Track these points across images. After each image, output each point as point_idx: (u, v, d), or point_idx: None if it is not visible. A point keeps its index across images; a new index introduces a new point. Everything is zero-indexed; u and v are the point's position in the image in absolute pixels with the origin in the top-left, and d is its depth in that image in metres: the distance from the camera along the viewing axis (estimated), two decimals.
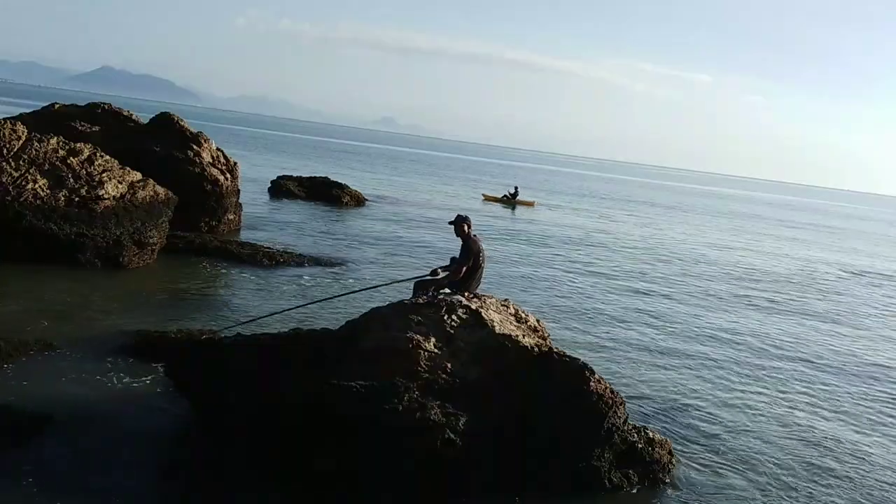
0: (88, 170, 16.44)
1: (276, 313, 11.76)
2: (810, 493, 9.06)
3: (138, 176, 17.44)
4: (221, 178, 21.88)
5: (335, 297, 13.05)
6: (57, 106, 22.56)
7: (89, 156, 16.82)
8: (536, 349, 8.43)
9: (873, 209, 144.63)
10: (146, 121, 22.77)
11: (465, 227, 9.46)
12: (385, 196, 39.86)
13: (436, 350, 8.12)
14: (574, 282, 21.07)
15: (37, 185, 15.53)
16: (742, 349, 15.61)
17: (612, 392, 8.22)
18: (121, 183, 16.80)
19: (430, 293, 9.08)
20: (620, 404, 8.24)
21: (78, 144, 17.06)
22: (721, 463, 9.48)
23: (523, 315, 9.30)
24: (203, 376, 8.58)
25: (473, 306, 8.68)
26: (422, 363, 7.98)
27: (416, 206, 36.71)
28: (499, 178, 69.99)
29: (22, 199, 15.16)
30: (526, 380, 8.13)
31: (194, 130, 22.79)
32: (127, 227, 16.09)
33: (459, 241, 9.50)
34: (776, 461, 9.80)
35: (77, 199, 15.81)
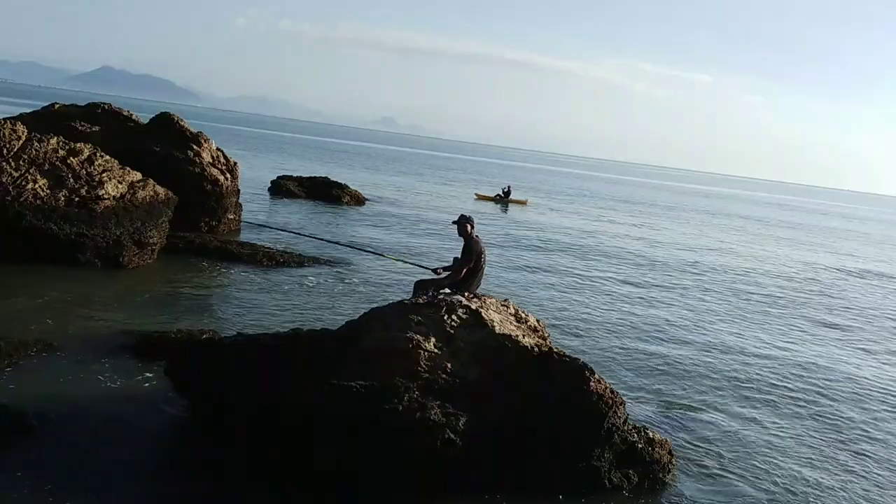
0: (88, 170, 16.44)
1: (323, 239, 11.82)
2: (811, 492, 9.06)
3: (138, 176, 17.45)
4: (221, 178, 21.88)
5: (365, 249, 12.32)
6: (57, 106, 22.56)
7: (89, 156, 16.82)
8: (536, 349, 8.43)
9: (873, 209, 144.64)
10: (146, 121, 22.77)
11: (469, 228, 9.55)
12: (385, 196, 39.87)
13: (436, 350, 8.13)
14: (564, 281, 21.07)
15: (37, 185, 15.53)
16: (743, 347, 15.61)
17: (612, 392, 8.22)
18: (121, 183, 16.80)
19: (430, 293, 9.09)
20: (620, 404, 8.24)
21: (78, 144, 17.06)
22: (721, 463, 9.47)
23: (523, 315, 9.30)
24: (203, 376, 8.58)
25: (473, 306, 8.69)
26: (422, 363, 7.98)
27: (415, 205, 36.72)
28: (498, 178, 70.01)
29: (22, 199, 15.16)
30: (526, 380, 8.13)
31: (194, 130, 22.78)
32: (127, 227, 16.09)
33: (459, 241, 9.53)
34: (777, 461, 9.80)
35: (77, 199, 15.81)
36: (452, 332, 8.34)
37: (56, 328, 11.39)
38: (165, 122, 22.42)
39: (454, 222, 9.70)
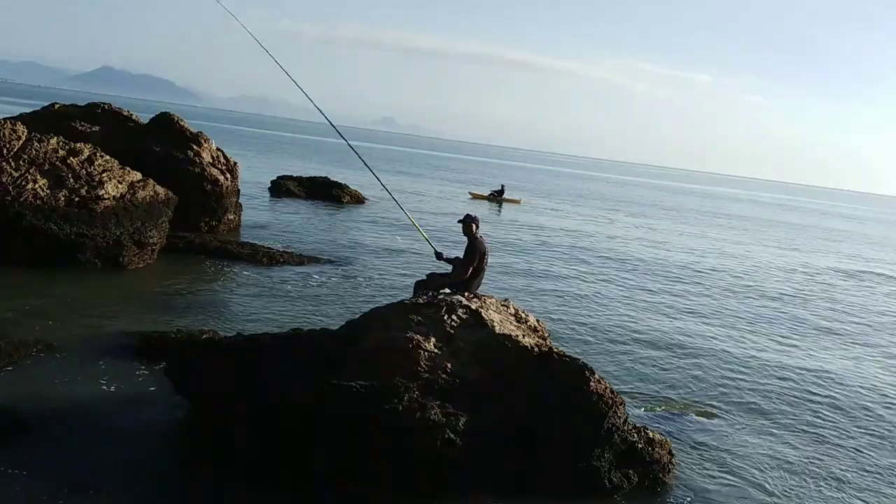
0: (88, 170, 16.45)
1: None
2: (811, 493, 9.06)
3: (138, 176, 17.45)
4: (221, 178, 21.89)
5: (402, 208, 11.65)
6: (57, 106, 22.56)
7: (89, 156, 16.82)
8: (536, 349, 8.43)
9: (872, 209, 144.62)
10: (146, 121, 22.77)
11: (473, 227, 9.56)
12: (385, 196, 39.72)
13: (436, 350, 8.12)
14: (560, 281, 21.07)
15: (37, 185, 15.53)
16: (741, 348, 15.61)
17: (611, 392, 8.22)
18: (121, 183, 16.80)
19: (431, 293, 9.09)
20: (620, 404, 8.24)
21: (78, 144, 17.07)
22: (721, 463, 9.48)
23: (523, 315, 9.30)
24: (203, 376, 8.58)
25: (473, 306, 8.69)
26: (422, 363, 7.98)
27: (415, 205, 36.67)
28: (498, 178, 69.94)
29: (22, 199, 15.16)
30: (526, 380, 8.13)
31: (194, 130, 22.79)
32: (127, 227, 16.09)
33: (458, 240, 9.54)
34: (777, 462, 9.80)
35: (77, 199, 15.81)
36: (452, 332, 8.34)
37: (56, 328, 11.39)
38: (165, 122, 22.42)
39: (459, 221, 9.70)
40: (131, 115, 22.89)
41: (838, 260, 36.57)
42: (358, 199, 34.75)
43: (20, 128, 16.51)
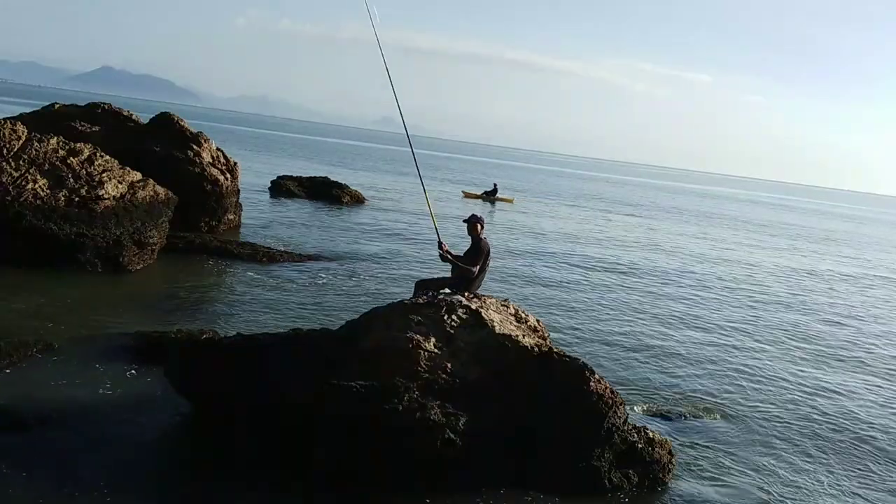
0: (88, 170, 16.44)
1: None
2: (811, 493, 9.06)
3: (138, 176, 17.45)
4: (221, 178, 21.89)
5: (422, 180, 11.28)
6: (57, 106, 22.56)
7: (89, 156, 16.82)
8: (536, 349, 8.43)
9: (873, 209, 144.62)
10: (146, 121, 22.78)
11: (479, 228, 9.59)
12: (385, 196, 39.86)
13: (436, 350, 8.13)
14: (556, 280, 21.07)
15: (37, 185, 15.53)
16: (741, 347, 15.62)
17: (612, 392, 8.22)
18: (121, 183, 16.80)
19: (431, 293, 9.09)
20: (620, 404, 8.24)
21: (78, 144, 17.06)
22: (721, 463, 9.48)
23: (523, 315, 9.30)
24: (203, 376, 8.58)
25: (473, 306, 8.69)
26: (422, 363, 7.98)
27: (415, 205, 36.69)
28: (498, 178, 69.94)
29: (22, 199, 15.16)
30: (526, 380, 8.13)
31: (194, 130, 22.79)
32: (127, 228, 16.09)
33: (460, 240, 9.53)
34: (778, 462, 9.80)
35: (77, 199, 15.81)
36: (452, 332, 8.34)
37: (56, 328, 11.39)
38: (165, 122, 22.42)
39: (465, 221, 9.73)
40: (131, 115, 22.89)
41: (840, 263, 36.55)
42: (358, 200, 34.76)
43: (20, 128, 16.51)
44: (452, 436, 7.58)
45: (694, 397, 11.99)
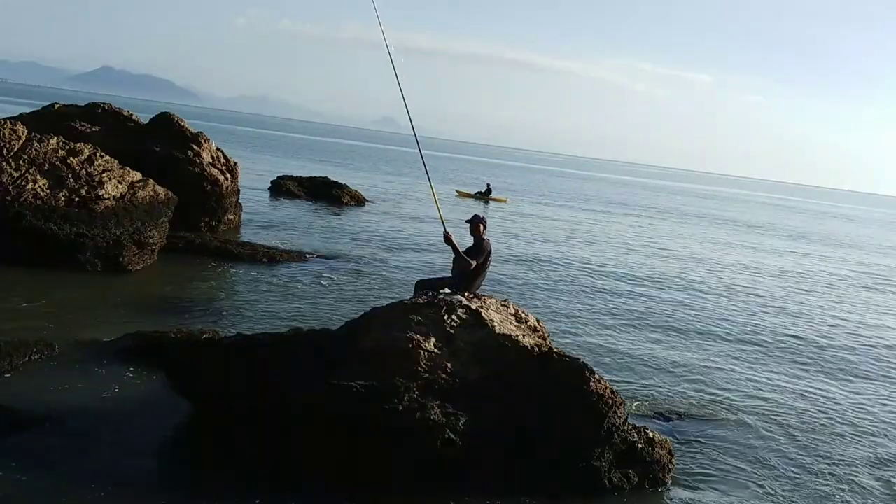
0: (88, 170, 16.45)
1: None
2: (812, 493, 9.06)
3: (138, 176, 17.45)
4: (221, 178, 21.90)
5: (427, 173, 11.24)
6: (57, 106, 22.57)
7: (89, 156, 16.82)
8: (536, 349, 8.43)
9: (873, 210, 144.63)
10: (146, 121, 22.78)
11: (481, 228, 9.61)
12: (385, 196, 39.88)
13: (436, 350, 8.13)
14: (553, 280, 21.07)
15: (37, 185, 15.53)
16: (741, 347, 15.62)
17: (612, 392, 8.22)
18: (121, 183, 16.80)
19: (431, 293, 9.09)
20: (620, 404, 8.24)
21: (78, 144, 17.07)
22: (722, 464, 9.48)
23: (523, 315, 9.31)
24: (203, 376, 8.58)
25: (473, 306, 8.69)
26: (422, 363, 7.98)
27: (415, 205, 36.73)
28: (498, 179, 70.01)
29: (22, 199, 15.16)
30: (526, 380, 8.13)
31: (194, 130, 22.80)
32: (127, 228, 16.09)
33: (457, 242, 9.52)
34: (778, 463, 9.80)
35: (77, 199, 15.81)
36: (452, 332, 8.35)
37: (56, 328, 11.39)
38: (165, 122, 22.43)
39: (467, 221, 9.72)
40: (131, 115, 22.90)
41: (841, 265, 36.56)
42: (358, 200, 34.77)
43: (20, 128, 16.51)
44: (452, 436, 7.58)
45: (694, 397, 11.99)
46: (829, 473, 9.69)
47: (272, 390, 7.95)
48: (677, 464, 8.87)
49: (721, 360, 14.55)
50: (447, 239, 9.45)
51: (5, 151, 15.73)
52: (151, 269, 16.41)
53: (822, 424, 11.52)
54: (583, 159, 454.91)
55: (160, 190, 17.64)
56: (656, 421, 10.54)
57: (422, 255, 22.39)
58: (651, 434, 8.60)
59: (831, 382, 13.99)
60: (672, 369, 13.41)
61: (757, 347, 15.98)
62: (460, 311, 8.57)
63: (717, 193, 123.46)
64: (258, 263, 17.85)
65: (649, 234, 38.11)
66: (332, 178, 36.96)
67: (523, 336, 8.63)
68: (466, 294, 9.07)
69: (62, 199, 15.65)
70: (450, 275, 9.85)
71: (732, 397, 12.26)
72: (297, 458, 7.74)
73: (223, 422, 8.32)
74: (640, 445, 8.36)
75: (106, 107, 22.69)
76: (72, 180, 16.03)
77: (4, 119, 17.40)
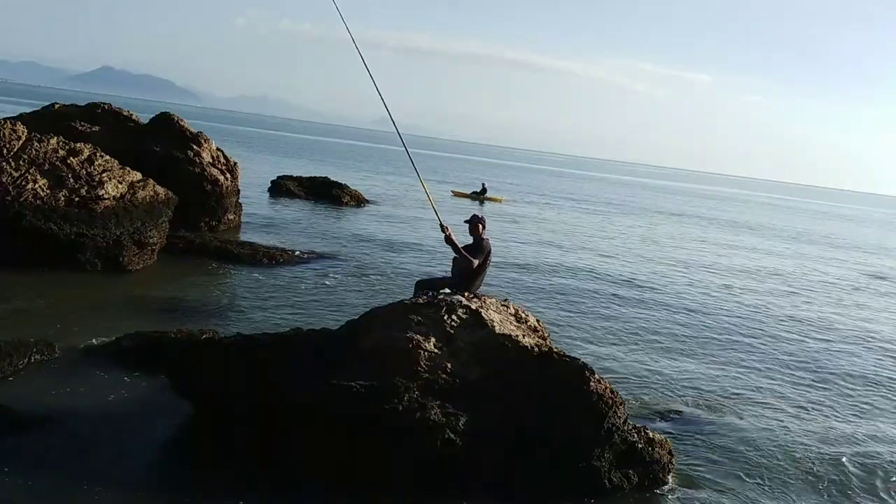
0: (88, 170, 16.44)
1: None
2: (813, 493, 9.06)
3: (138, 176, 17.45)
4: (221, 178, 21.90)
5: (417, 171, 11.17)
6: (57, 106, 22.58)
7: (89, 156, 16.82)
8: (536, 349, 8.43)
9: (874, 210, 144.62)
10: (146, 121, 22.79)
11: (480, 228, 9.58)
12: (385, 196, 39.87)
13: (436, 350, 8.13)
14: (549, 279, 21.07)
15: (37, 185, 15.53)
16: (741, 349, 15.62)
17: (612, 392, 8.22)
18: (121, 183, 16.80)
19: (431, 293, 9.09)
20: (620, 404, 8.23)
21: (78, 144, 17.07)
22: (722, 464, 9.48)
23: (523, 315, 9.31)
24: (203, 377, 8.58)
25: (473, 306, 8.69)
26: (422, 363, 7.98)
27: (415, 205, 36.71)
28: (498, 179, 70.06)
29: (22, 199, 15.16)
30: (526, 380, 8.13)
31: (194, 130, 22.81)
32: (127, 228, 16.09)
33: (446, 248, 9.49)
34: (779, 463, 9.80)
35: (77, 199, 15.81)
36: (452, 332, 8.35)
37: (56, 328, 11.38)
38: (165, 122, 22.44)
39: (466, 221, 9.70)
40: (131, 115, 22.91)
41: (842, 266, 36.57)
42: (358, 200, 34.77)
43: (20, 128, 16.51)
44: (452, 436, 7.58)
45: (694, 397, 11.99)
46: (830, 474, 9.69)
47: (272, 390, 7.94)
48: (677, 464, 8.87)
49: (722, 360, 14.54)
50: (448, 238, 9.41)
51: (5, 151, 15.73)
52: (151, 269, 16.41)
53: (822, 425, 11.52)
54: (583, 159, 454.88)
55: (160, 190, 17.64)
56: (656, 421, 10.54)
57: (421, 255, 22.39)
58: (651, 434, 8.60)
59: (832, 384, 13.98)
60: (672, 369, 13.40)
61: (758, 348, 15.98)
62: (460, 311, 8.57)
63: (718, 193, 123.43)
64: (258, 263, 17.85)
65: (648, 234, 38.11)
66: (332, 178, 36.97)
67: (523, 336, 8.63)
68: (466, 294, 9.07)
69: (62, 199, 15.65)
70: (450, 275, 9.85)
71: (733, 398, 12.26)
72: (297, 458, 7.74)
73: (223, 422, 8.32)
74: (640, 445, 8.36)
75: (106, 107, 22.70)
76: (72, 180, 16.03)
77: (4, 119, 17.40)
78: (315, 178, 36.90)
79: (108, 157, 17.22)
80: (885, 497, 9.24)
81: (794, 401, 12.53)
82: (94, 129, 21.09)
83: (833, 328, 19.18)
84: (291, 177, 36.52)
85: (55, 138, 16.78)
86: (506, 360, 8.27)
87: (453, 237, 9.35)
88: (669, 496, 8.40)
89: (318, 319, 13.36)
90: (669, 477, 8.57)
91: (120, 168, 17.16)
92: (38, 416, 8.28)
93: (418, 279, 10.41)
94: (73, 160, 16.42)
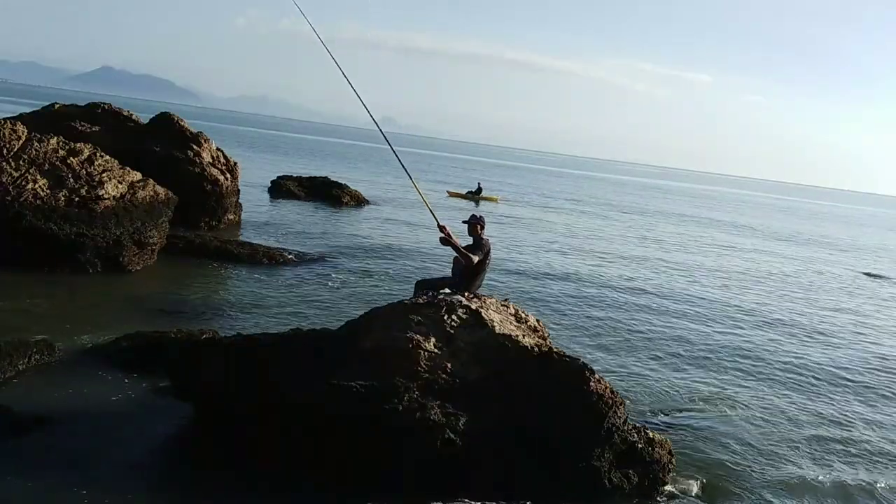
0: (88, 170, 16.45)
1: None
2: (813, 493, 9.07)
3: (138, 176, 17.45)
4: (221, 178, 21.91)
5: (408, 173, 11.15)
6: (57, 106, 22.59)
7: (89, 156, 16.82)
8: (536, 349, 8.43)
9: (874, 209, 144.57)
10: (146, 121, 22.80)
11: (479, 228, 9.59)
12: (385, 196, 39.86)
13: (436, 350, 8.13)
14: (548, 278, 21.07)
15: (37, 185, 15.53)
16: (741, 348, 15.62)
17: (612, 392, 8.22)
18: (121, 183, 16.80)
19: (431, 293, 9.09)
20: (620, 404, 8.24)
21: (78, 144, 17.07)
22: (722, 464, 9.48)
23: (523, 315, 9.31)
24: (203, 377, 8.58)
25: (473, 306, 8.69)
26: (422, 363, 7.98)
27: (415, 205, 36.68)
28: (497, 179, 70.07)
29: (22, 199, 15.16)
30: (526, 380, 8.13)
31: (194, 130, 22.82)
32: (127, 228, 16.09)
33: (444, 251, 9.49)
34: (779, 462, 9.81)
35: (77, 199, 15.81)
36: (452, 332, 8.35)
37: (56, 329, 11.38)
38: (165, 122, 22.45)
39: (465, 222, 9.70)
40: (131, 115, 22.92)
41: (843, 266, 36.55)
42: (358, 200, 34.77)
43: (20, 128, 16.51)
44: (452, 436, 7.58)
45: (694, 397, 11.99)
46: (831, 475, 9.69)
47: (272, 390, 7.95)
48: (677, 463, 8.87)
49: (721, 360, 14.54)
50: (443, 240, 9.29)
51: (5, 151, 15.73)
52: (151, 269, 16.41)
53: (822, 427, 11.52)
54: (583, 159, 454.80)
55: (160, 190, 17.64)
56: (656, 421, 10.54)
57: (421, 255, 22.38)
58: (651, 434, 8.60)
59: (833, 386, 13.98)
60: (672, 369, 13.41)
61: (758, 348, 15.98)
62: (460, 311, 8.57)
63: (718, 193, 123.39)
64: (258, 263, 17.85)
65: (647, 234, 38.09)
66: (332, 178, 36.96)
67: (523, 336, 8.63)
68: (466, 294, 9.07)
69: (62, 199, 15.65)
70: (450, 275, 9.85)
71: (733, 397, 12.25)
72: (297, 458, 7.74)
73: (223, 422, 8.32)
74: (640, 445, 8.35)
75: (106, 107, 22.72)
76: (72, 180, 16.03)
77: (4, 119, 17.40)
78: (315, 178, 36.90)
79: (108, 157, 17.23)
80: (888, 497, 9.24)
81: (794, 401, 12.53)
82: (94, 129, 21.10)
83: (833, 328, 19.18)
84: (291, 177, 36.52)
85: (55, 138, 16.78)
86: (506, 360, 8.27)
87: (452, 238, 9.27)
88: (669, 496, 8.39)
89: (318, 319, 13.37)
90: (669, 477, 8.57)
91: (120, 168, 17.16)
92: (38, 416, 8.28)
93: (418, 279, 10.42)
94: (73, 160, 16.42)
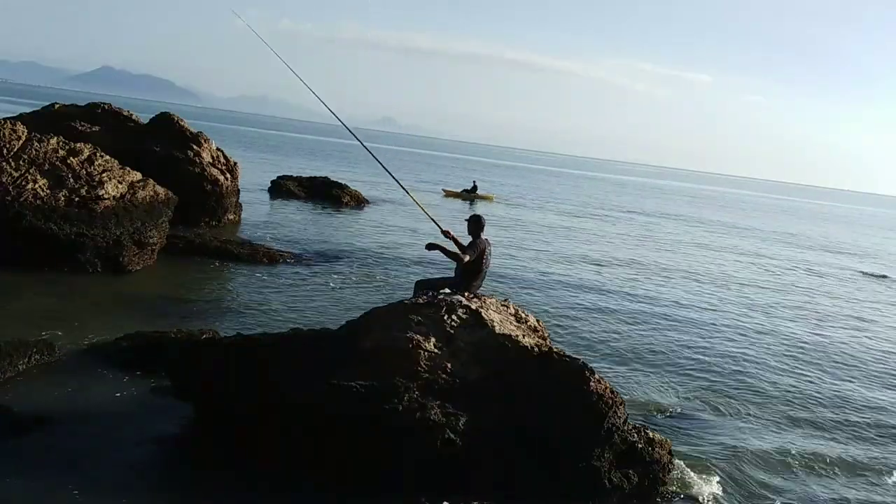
0: (88, 170, 16.45)
1: None
2: (813, 493, 9.07)
3: (138, 176, 17.45)
4: (221, 178, 21.92)
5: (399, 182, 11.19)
6: (57, 106, 22.59)
7: (89, 156, 16.82)
8: (536, 349, 8.43)
9: (875, 209, 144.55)
10: (146, 121, 22.80)
11: (477, 227, 9.66)
12: (385, 196, 39.83)
13: (436, 350, 8.13)
14: (546, 279, 21.08)
15: (37, 185, 15.53)
16: (741, 348, 15.62)
17: (612, 392, 8.22)
18: (121, 183, 16.80)
19: (431, 293, 9.10)
20: (620, 404, 8.23)
21: (78, 144, 17.07)
22: (723, 463, 9.48)
23: (523, 315, 9.31)
24: (203, 377, 8.58)
25: (473, 306, 8.69)
26: (422, 363, 7.98)
27: (415, 205, 36.73)
28: (498, 179, 70.04)
29: (22, 199, 15.16)
30: (526, 380, 8.13)
31: (194, 130, 22.82)
32: (127, 228, 16.09)
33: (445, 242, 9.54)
34: (779, 462, 9.81)
35: (77, 199, 15.81)
36: (452, 332, 8.35)
37: (56, 329, 11.38)
38: (165, 122, 22.46)
39: (465, 220, 9.80)
40: (131, 115, 22.92)
41: (850, 264, 36.54)
42: (358, 200, 34.76)
43: (20, 128, 16.51)
44: (452, 436, 7.58)
45: (694, 397, 11.99)
46: (831, 474, 9.69)
47: (272, 390, 7.95)
48: (677, 463, 8.87)
49: (722, 360, 14.54)
50: (430, 245, 9.39)
51: (5, 151, 15.73)
52: (151, 269, 16.41)
53: (822, 427, 11.53)
54: (583, 159, 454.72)
55: (160, 190, 17.64)
56: (656, 421, 10.54)
57: (421, 255, 22.35)
58: (651, 434, 8.59)
59: (834, 382, 13.98)
60: (672, 369, 13.41)
61: (758, 349, 15.98)
62: (460, 311, 8.57)
63: (718, 193, 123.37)
64: (258, 263, 17.85)
65: (647, 235, 38.09)
66: (332, 179, 36.96)
67: (523, 336, 8.63)
68: (466, 294, 9.07)
69: (62, 199, 15.65)
70: (450, 274, 9.86)
71: (734, 397, 12.26)
72: (297, 458, 7.74)
73: (223, 422, 8.32)
74: (640, 445, 8.35)
75: (106, 107, 22.72)
76: (72, 180, 16.03)
77: (4, 119, 17.40)
78: (315, 178, 36.89)
79: (108, 157, 17.23)
80: (889, 493, 9.25)
81: (794, 402, 12.53)
82: (94, 129, 21.10)
83: (833, 330, 19.18)
84: (291, 177, 36.51)
85: (55, 138, 16.78)
86: (506, 360, 8.27)
87: (440, 242, 9.33)
88: (669, 496, 8.39)
89: (318, 319, 13.37)
90: (669, 477, 8.57)
91: (120, 168, 17.16)
92: (38, 416, 8.28)
93: (418, 279, 10.43)
94: (73, 160, 16.42)
